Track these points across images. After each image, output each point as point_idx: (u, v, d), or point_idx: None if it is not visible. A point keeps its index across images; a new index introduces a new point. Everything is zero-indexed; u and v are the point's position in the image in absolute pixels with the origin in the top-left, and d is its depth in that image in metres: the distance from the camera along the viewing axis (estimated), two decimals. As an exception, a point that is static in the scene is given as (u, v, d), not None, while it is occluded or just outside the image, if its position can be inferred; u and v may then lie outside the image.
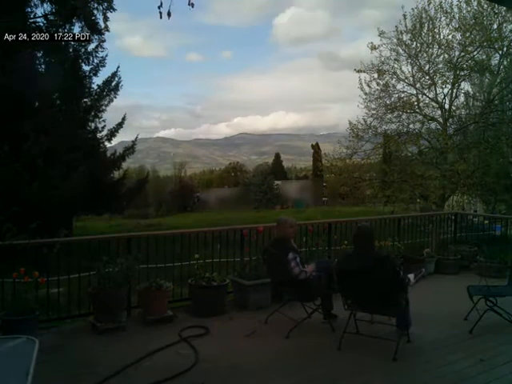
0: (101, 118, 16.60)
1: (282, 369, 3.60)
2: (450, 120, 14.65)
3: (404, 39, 14.32)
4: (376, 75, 14.56)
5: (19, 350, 2.22)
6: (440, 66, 14.25)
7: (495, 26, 13.54)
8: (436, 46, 14.14)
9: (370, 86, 14.73)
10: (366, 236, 4.08)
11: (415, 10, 14.03)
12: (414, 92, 14.78)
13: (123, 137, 20.34)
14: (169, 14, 3.01)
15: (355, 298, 3.99)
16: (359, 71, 14.68)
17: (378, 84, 14.62)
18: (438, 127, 14.71)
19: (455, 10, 13.70)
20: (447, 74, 14.17)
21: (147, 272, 5.07)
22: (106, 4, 15.61)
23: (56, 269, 4.74)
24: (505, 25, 13.59)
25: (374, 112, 14.87)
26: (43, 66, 15.13)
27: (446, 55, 14.13)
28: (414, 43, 14.25)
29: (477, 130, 14.09)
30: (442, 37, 14.01)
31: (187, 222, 25.87)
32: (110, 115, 17.07)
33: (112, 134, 16.80)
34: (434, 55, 14.23)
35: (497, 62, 14.71)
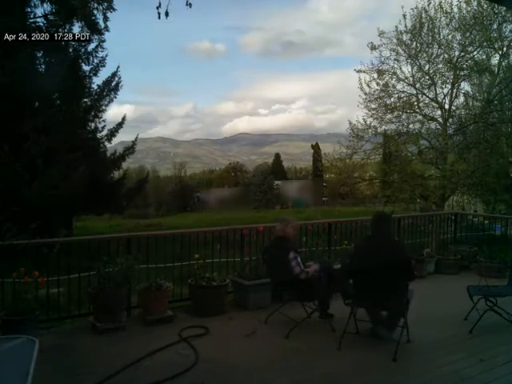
0: (101, 118, 16.60)
1: (282, 369, 3.60)
2: (450, 120, 14.63)
3: (404, 39, 14.31)
4: (376, 75, 14.57)
5: (19, 350, 2.23)
6: (440, 66, 14.25)
7: (495, 26, 13.54)
8: (436, 46, 14.13)
9: (369, 86, 14.73)
10: (387, 220, 4.18)
11: (415, 10, 14.05)
12: (414, 92, 14.76)
13: (123, 137, 20.31)
14: (166, 14, 3.05)
15: (361, 288, 3.95)
16: (359, 71, 14.67)
17: (377, 84, 14.61)
18: (438, 127, 14.70)
19: (455, 9, 13.69)
20: (447, 74, 14.16)
21: (147, 272, 5.07)
22: (106, 4, 15.58)
23: (56, 269, 4.75)
24: (505, 25, 13.60)
25: (374, 112, 14.86)
26: (43, 66, 15.12)
27: (446, 55, 14.12)
28: (414, 43, 14.24)
29: (477, 130, 14.07)
30: (441, 37, 14.01)
31: (187, 222, 25.81)
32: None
33: (112, 133, 16.78)
34: (434, 55, 14.21)
35: (496, 62, 14.72)
